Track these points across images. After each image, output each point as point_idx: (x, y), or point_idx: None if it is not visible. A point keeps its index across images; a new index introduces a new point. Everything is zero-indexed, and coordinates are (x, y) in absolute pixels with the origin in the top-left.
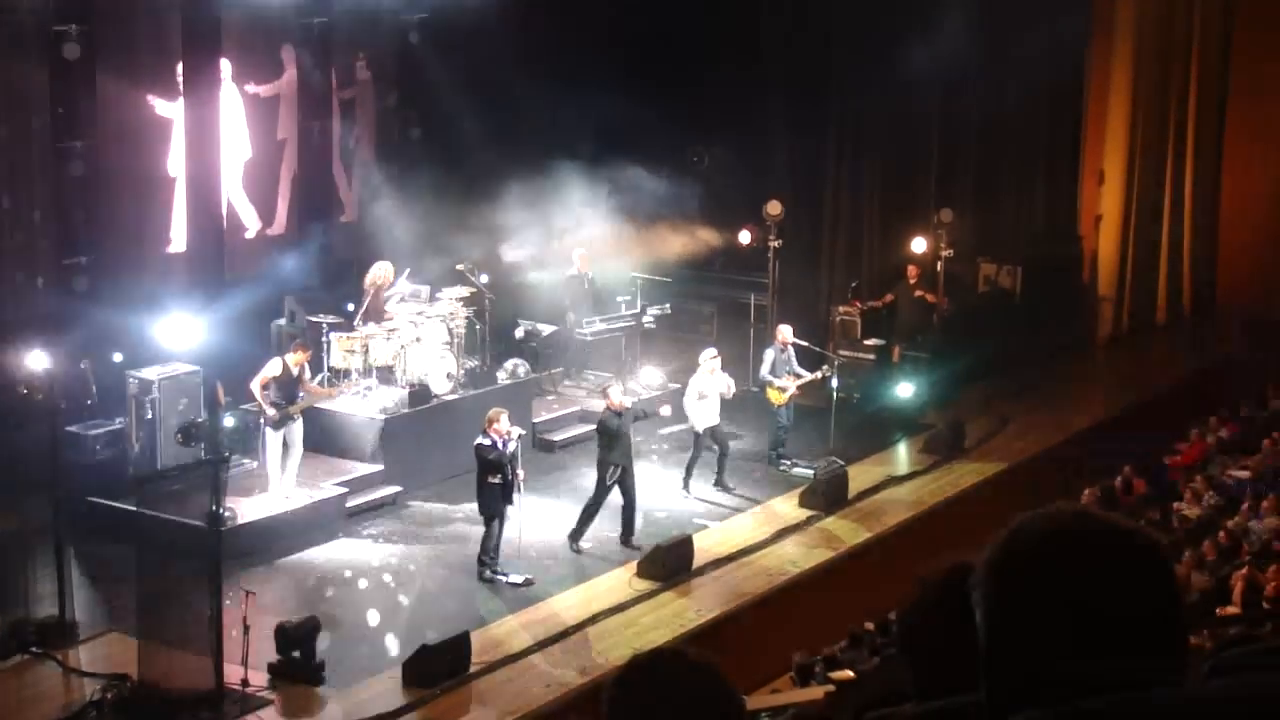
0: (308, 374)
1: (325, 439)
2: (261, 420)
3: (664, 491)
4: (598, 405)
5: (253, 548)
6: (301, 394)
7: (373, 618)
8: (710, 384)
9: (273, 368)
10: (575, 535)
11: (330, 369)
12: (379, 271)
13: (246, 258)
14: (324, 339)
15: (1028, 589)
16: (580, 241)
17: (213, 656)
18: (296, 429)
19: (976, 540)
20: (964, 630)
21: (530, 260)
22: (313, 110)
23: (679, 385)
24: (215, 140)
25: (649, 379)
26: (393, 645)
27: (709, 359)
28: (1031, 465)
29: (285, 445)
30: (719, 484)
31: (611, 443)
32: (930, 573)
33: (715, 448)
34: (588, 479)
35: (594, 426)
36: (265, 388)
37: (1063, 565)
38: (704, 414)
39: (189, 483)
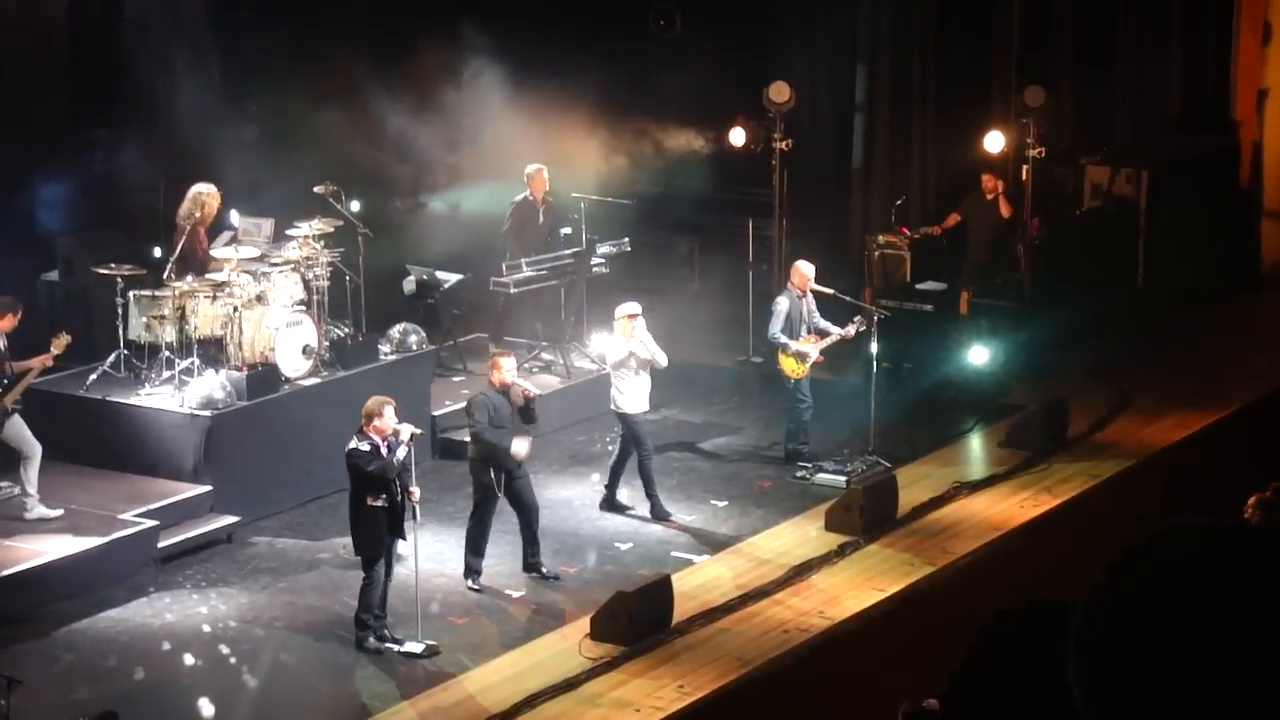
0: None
1: (123, 447)
2: None
3: (628, 513)
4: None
5: (17, 610)
6: (7, 376)
7: (204, 709)
8: (636, 349)
9: None
10: (468, 573)
11: (128, 345)
12: (199, 198)
13: None
14: (119, 300)
15: (1157, 652)
16: (537, 155)
17: None
18: (18, 426)
19: (1086, 574)
20: (1048, 706)
21: (424, 177)
22: None
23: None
24: None
25: (600, 348)
26: None
27: (627, 316)
28: (1167, 461)
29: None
30: (656, 512)
31: (487, 439)
32: (998, 617)
33: (627, 446)
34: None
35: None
36: None
37: (1212, 612)
38: (630, 395)
39: None
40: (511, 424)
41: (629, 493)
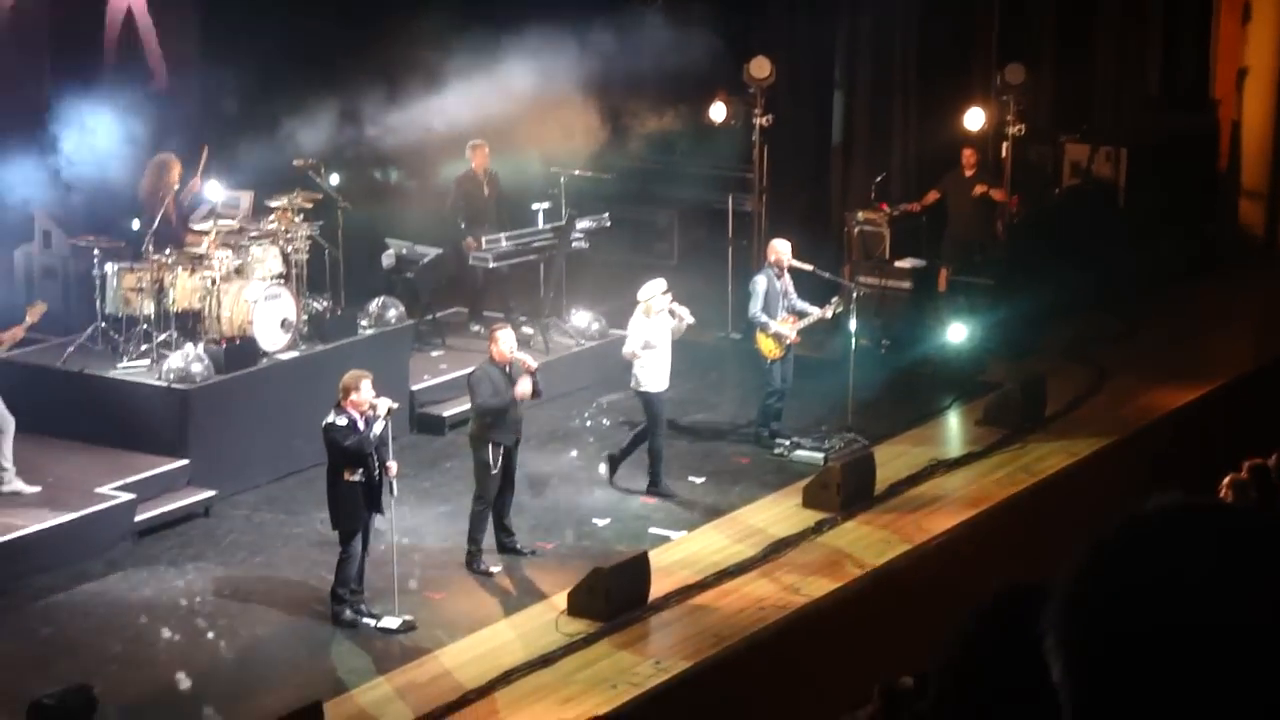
0: None
1: (100, 420)
2: None
3: (605, 489)
4: None
5: None
6: None
7: (180, 683)
8: (657, 330)
9: None
10: (472, 559)
11: (105, 317)
12: (160, 167)
13: None
14: (96, 273)
15: (1135, 632)
16: (479, 129)
17: None
18: None
19: (1063, 553)
20: (1030, 691)
21: (404, 151)
22: None
23: (621, 333)
24: None
25: (580, 324)
26: None
27: (655, 294)
28: (1145, 440)
29: None
30: (655, 487)
31: (491, 411)
32: (979, 603)
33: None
34: None
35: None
36: None
37: (1189, 591)
38: (653, 373)
39: None
40: (510, 398)
41: (624, 470)
